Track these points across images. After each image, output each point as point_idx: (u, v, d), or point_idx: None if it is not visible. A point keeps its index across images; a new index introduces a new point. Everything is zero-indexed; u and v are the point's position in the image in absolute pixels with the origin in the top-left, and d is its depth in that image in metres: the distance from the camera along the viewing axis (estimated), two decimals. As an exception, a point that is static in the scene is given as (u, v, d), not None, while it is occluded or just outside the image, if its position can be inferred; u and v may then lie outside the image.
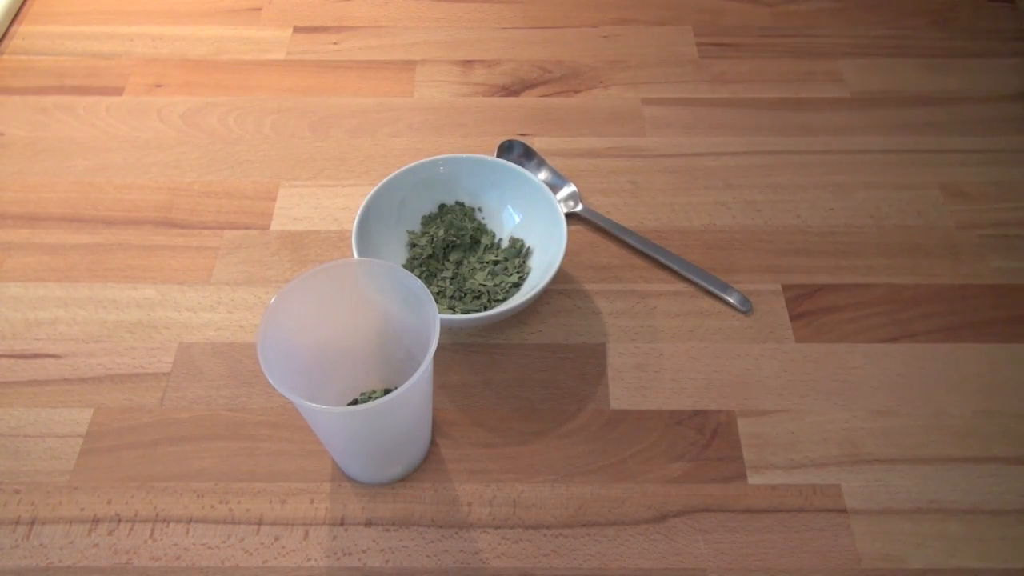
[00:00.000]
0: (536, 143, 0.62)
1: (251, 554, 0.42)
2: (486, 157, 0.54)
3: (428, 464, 0.45)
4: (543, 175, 0.59)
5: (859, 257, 0.55)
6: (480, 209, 0.55)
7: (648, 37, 0.71)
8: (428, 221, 0.54)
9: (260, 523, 0.43)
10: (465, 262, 0.52)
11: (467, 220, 0.54)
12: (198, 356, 0.50)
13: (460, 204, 0.55)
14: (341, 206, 0.58)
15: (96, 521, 0.43)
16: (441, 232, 0.52)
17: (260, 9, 0.73)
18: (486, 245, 0.53)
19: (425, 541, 0.43)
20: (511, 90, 0.66)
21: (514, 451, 0.46)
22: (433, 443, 0.46)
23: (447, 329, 0.51)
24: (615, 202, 0.58)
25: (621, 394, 0.48)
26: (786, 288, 0.53)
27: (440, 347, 0.49)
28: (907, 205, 0.58)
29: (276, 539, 0.43)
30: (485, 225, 0.54)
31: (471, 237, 0.53)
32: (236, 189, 0.59)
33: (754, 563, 0.42)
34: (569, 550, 0.42)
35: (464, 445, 0.46)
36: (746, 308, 0.52)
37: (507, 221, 0.54)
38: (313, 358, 0.43)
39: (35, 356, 0.50)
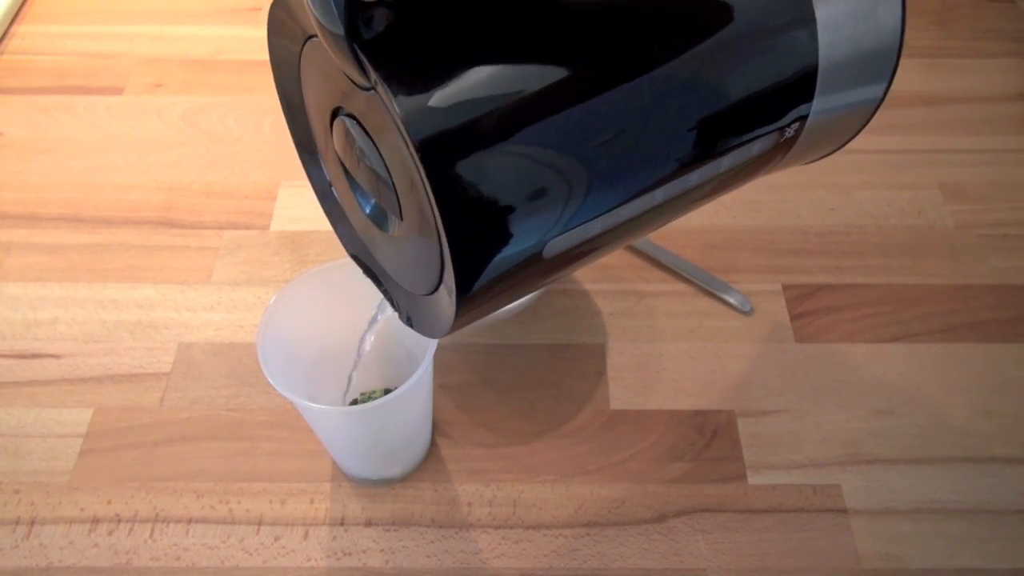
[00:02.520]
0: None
1: (251, 554, 0.42)
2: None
3: (428, 464, 0.45)
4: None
5: (859, 257, 0.55)
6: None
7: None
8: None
9: (260, 523, 0.43)
10: (465, 262, 0.52)
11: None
12: (198, 356, 0.50)
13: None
14: (341, 206, 0.58)
15: (96, 521, 0.43)
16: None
17: (260, 9, 0.73)
18: (486, 245, 0.53)
19: (425, 541, 0.43)
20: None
21: (514, 451, 0.46)
22: (433, 443, 0.46)
23: (447, 329, 0.51)
24: (615, 202, 0.58)
25: (621, 394, 0.48)
26: (786, 288, 0.53)
27: (440, 347, 0.49)
28: (907, 205, 0.58)
29: (276, 539, 0.43)
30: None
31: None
32: (236, 189, 0.59)
33: (754, 563, 0.42)
34: (569, 550, 0.42)
35: (464, 445, 0.46)
36: (746, 308, 0.52)
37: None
38: (313, 358, 0.43)
39: (35, 356, 0.50)
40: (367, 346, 0.40)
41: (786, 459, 0.46)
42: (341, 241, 0.35)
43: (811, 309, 0.52)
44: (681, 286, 0.54)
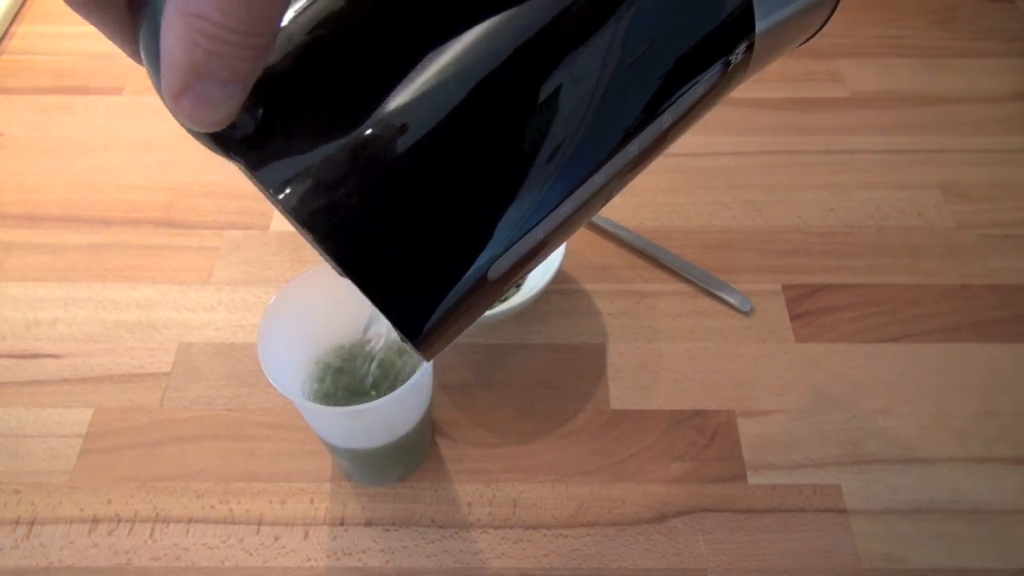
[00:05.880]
0: (536, 143, 0.62)
1: (251, 554, 0.42)
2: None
3: (428, 464, 0.45)
4: (543, 175, 0.59)
5: (859, 257, 0.55)
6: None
7: (648, 37, 0.71)
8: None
9: (260, 523, 0.43)
10: (465, 262, 0.52)
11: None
12: (198, 356, 0.50)
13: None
14: (341, 206, 0.58)
15: (96, 521, 0.43)
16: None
17: (260, 9, 0.73)
18: (486, 245, 0.53)
19: (425, 541, 0.43)
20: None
21: (514, 451, 0.46)
22: (433, 443, 0.46)
23: (447, 329, 0.51)
24: (615, 202, 0.58)
25: (621, 394, 0.48)
26: (786, 288, 0.53)
27: (440, 347, 0.49)
28: (907, 205, 0.58)
29: (276, 539, 0.43)
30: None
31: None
32: (236, 189, 0.59)
33: (754, 563, 0.42)
34: (569, 550, 0.42)
35: (464, 445, 0.46)
36: (746, 308, 0.52)
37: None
38: (313, 358, 0.43)
39: (35, 356, 0.50)
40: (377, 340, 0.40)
41: (786, 459, 0.46)
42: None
43: (811, 309, 0.52)
44: (681, 286, 0.54)
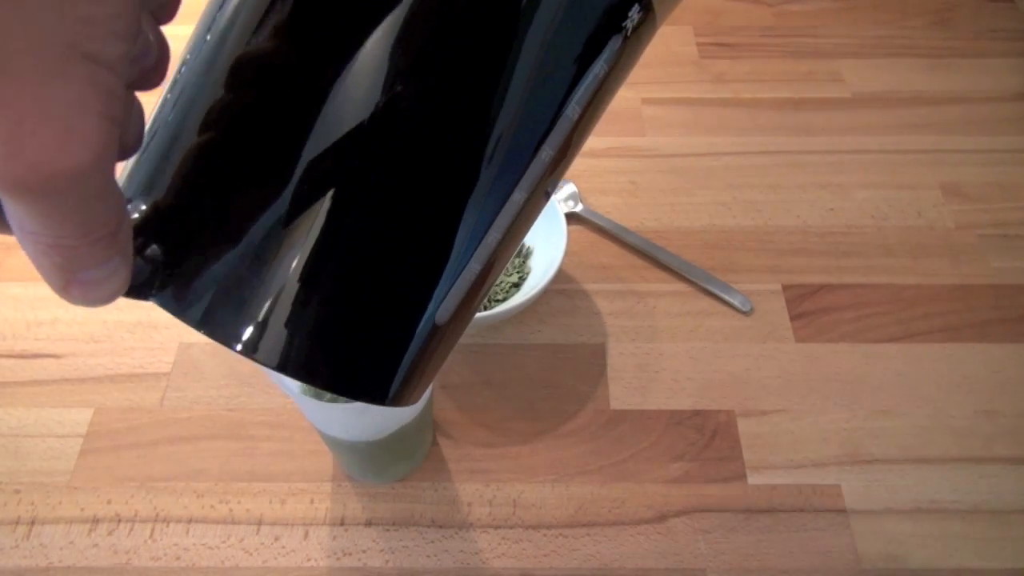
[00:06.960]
0: (536, 143, 0.62)
1: (251, 554, 0.42)
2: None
3: (428, 464, 0.45)
4: (543, 175, 0.59)
5: (859, 257, 0.55)
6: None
7: (648, 37, 0.71)
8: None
9: (260, 523, 0.43)
10: (465, 262, 0.52)
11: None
12: (198, 356, 0.50)
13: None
14: (341, 206, 0.58)
15: (96, 521, 0.43)
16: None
17: (260, 9, 0.73)
18: (486, 245, 0.53)
19: (425, 541, 0.43)
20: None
21: (514, 451, 0.46)
22: (433, 443, 0.46)
23: (447, 329, 0.51)
24: (615, 202, 0.58)
25: (621, 394, 0.48)
26: (786, 288, 0.53)
27: (440, 347, 0.49)
28: (907, 205, 0.58)
29: (276, 539, 0.43)
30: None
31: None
32: (236, 189, 0.59)
33: (754, 563, 0.42)
34: (569, 550, 0.43)
35: (464, 445, 0.46)
36: (746, 308, 0.52)
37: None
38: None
39: (35, 356, 0.50)
40: None
41: (786, 459, 0.46)
42: None
43: (811, 309, 0.52)
44: (681, 286, 0.54)
